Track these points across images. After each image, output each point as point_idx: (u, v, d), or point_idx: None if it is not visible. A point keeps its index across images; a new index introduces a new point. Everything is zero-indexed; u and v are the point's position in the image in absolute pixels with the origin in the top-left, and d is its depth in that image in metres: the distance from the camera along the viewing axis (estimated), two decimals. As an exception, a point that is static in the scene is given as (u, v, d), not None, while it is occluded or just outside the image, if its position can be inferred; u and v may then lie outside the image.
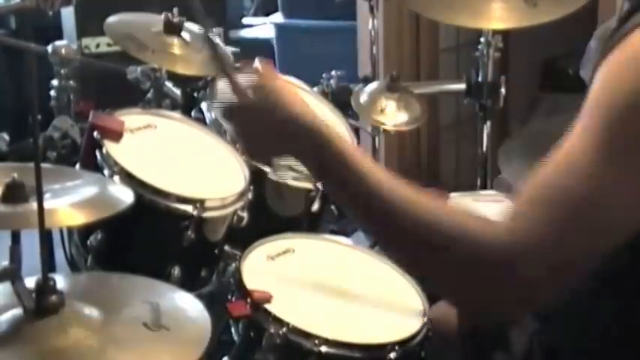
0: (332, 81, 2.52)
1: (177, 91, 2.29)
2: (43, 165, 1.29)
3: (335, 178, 1.13)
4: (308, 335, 1.64)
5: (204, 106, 2.15)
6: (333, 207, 2.18)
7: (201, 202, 1.83)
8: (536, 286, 1.04)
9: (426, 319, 1.72)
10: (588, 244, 1.05)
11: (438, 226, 1.05)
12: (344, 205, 1.13)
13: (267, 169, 1.70)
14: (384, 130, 2.37)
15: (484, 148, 2.62)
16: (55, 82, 2.32)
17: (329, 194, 1.10)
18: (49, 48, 2.30)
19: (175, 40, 2.19)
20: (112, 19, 2.23)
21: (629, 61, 1.06)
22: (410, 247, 1.08)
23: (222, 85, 1.24)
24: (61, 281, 1.31)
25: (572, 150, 1.06)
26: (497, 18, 2.33)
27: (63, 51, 2.30)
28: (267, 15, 4.63)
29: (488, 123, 2.59)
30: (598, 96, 1.07)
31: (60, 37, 3.37)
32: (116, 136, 1.91)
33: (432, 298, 1.73)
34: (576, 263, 1.05)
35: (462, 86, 2.59)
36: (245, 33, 4.68)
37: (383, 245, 1.11)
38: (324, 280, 1.83)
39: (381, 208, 1.08)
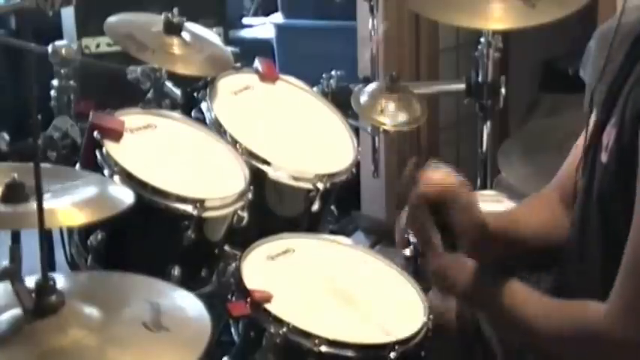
0: (332, 81, 2.52)
1: (178, 91, 2.29)
2: (43, 165, 1.29)
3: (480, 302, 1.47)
4: (308, 335, 1.64)
5: (204, 106, 2.15)
6: (332, 207, 2.19)
7: (201, 201, 1.83)
8: None
9: (425, 319, 1.72)
10: None
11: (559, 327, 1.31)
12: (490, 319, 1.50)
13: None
14: (384, 131, 2.37)
15: (484, 148, 2.62)
16: (55, 82, 2.32)
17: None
18: (49, 48, 2.30)
19: (175, 40, 2.19)
20: (112, 19, 2.23)
21: None
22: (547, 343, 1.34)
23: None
24: (60, 281, 1.31)
25: None
26: (497, 19, 2.33)
27: (63, 51, 2.30)
28: (267, 15, 4.62)
29: (488, 123, 2.59)
30: None
31: (60, 37, 3.36)
32: (116, 136, 1.91)
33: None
34: None
35: (462, 86, 2.59)
36: (245, 33, 4.67)
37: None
38: (323, 280, 1.83)
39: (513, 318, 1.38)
